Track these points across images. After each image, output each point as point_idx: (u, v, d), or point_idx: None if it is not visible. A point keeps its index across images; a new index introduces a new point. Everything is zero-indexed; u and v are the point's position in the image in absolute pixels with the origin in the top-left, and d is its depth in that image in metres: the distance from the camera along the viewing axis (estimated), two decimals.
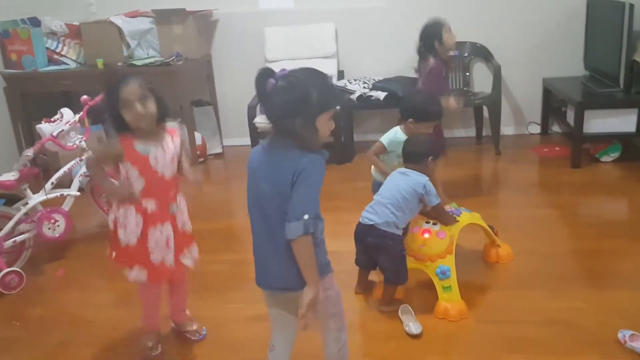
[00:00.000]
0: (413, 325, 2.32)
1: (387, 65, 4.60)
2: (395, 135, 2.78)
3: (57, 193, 3.12)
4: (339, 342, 1.91)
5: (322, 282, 1.72)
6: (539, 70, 4.53)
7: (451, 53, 3.14)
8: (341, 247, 2.68)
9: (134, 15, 4.45)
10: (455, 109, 3.12)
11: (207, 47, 4.71)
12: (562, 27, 4.43)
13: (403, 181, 2.45)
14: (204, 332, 2.43)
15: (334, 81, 4.40)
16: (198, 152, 4.40)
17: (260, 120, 4.21)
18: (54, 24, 4.37)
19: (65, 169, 3.16)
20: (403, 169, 2.51)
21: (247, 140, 4.39)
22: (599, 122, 3.86)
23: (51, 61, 4.35)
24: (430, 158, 2.49)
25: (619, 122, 3.85)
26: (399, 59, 4.54)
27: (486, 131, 4.55)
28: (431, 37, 3.03)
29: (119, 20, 4.32)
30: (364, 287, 2.67)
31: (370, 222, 2.42)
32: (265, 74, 1.62)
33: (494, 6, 4.37)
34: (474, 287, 2.60)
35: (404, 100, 2.91)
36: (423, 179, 2.43)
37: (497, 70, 4.25)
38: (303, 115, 1.57)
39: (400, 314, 2.41)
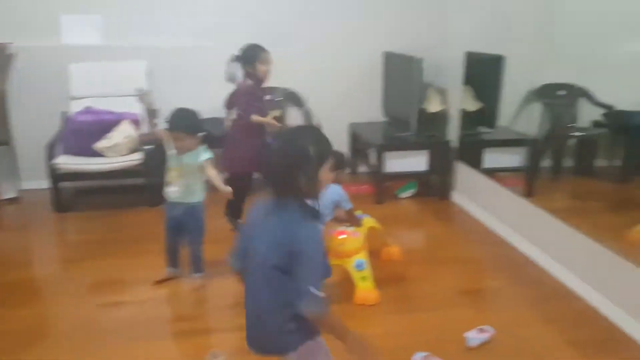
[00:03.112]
0: None
1: (203, 105, 4.51)
2: None
3: None
4: None
5: (301, 349, 1.68)
6: (346, 115, 4.89)
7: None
8: (151, 294, 2.55)
9: None
10: (276, 127, 3.34)
11: (1, 83, 4.26)
12: (363, 77, 4.85)
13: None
14: None
15: None
16: None
17: (63, 160, 3.89)
18: None
19: None
20: None
21: (46, 183, 4.02)
22: (397, 163, 4.27)
23: None
24: (337, 170, 2.78)
25: (413, 162, 4.29)
26: (215, 98, 4.56)
27: None
28: (246, 60, 3.30)
29: None
30: None
31: None
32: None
33: (304, 55, 4.64)
34: None
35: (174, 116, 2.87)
36: (338, 188, 2.84)
37: (307, 115, 4.48)
38: (305, 170, 1.61)
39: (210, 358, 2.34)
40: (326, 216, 2.82)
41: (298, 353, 1.69)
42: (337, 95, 4.84)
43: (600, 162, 4.26)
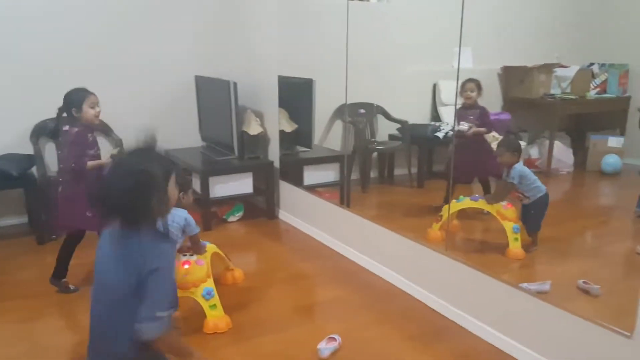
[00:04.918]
0: None
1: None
2: None
3: None
4: None
5: None
6: (162, 141, 4.69)
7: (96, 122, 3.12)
8: None
9: None
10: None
11: None
12: (177, 101, 4.75)
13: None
14: None
15: None
16: None
17: None
18: None
19: None
20: None
21: None
22: (222, 187, 4.26)
23: None
24: (181, 194, 2.64)
25: (238, 185, 4.32)
26: (8, 134, 4.09)
27: None
28: (70, 104, 2.99)
29: None
30: None
31: None
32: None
33: (111, 83, 4.36)
34: None
35: None
36: (183, 212, 2.76)
37: (119, 143, 4.25)
38: (155, 191, 1.56)
39: None
40: (178, 242, 2.74)
41: None
42: (150, 121, 4.62)
43: (400, 171, 4.82)
